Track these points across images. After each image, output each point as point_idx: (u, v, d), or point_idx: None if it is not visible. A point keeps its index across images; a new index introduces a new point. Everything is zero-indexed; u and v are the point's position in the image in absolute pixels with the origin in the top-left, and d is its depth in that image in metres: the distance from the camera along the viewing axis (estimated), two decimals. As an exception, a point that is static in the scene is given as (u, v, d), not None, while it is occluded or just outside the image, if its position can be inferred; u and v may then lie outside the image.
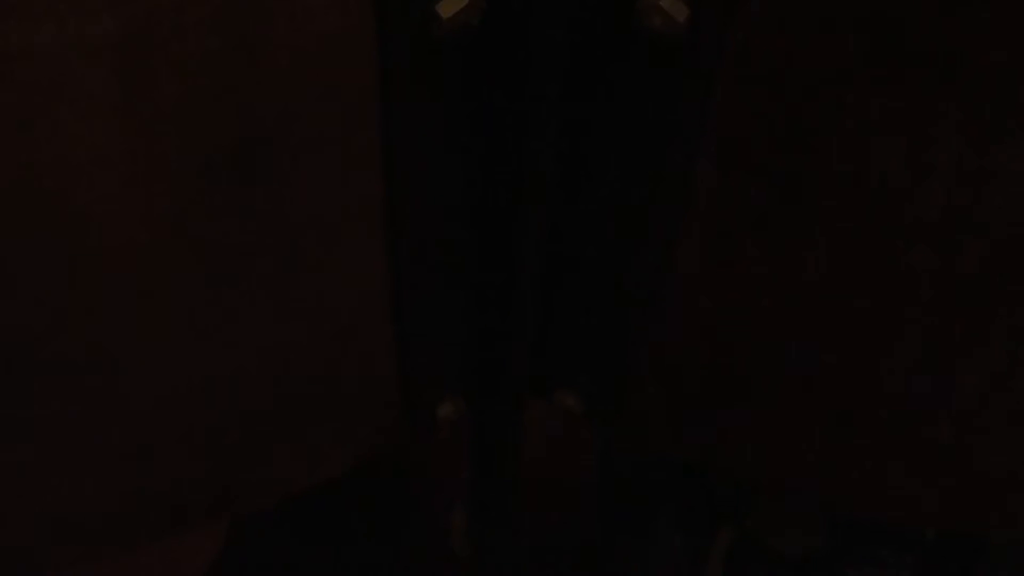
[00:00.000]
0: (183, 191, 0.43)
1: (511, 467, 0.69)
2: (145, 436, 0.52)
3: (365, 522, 0.95)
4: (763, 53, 0.42)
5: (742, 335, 0.53)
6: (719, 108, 0.44)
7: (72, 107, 0.38)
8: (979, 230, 0.44)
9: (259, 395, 0.54)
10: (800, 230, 0.47)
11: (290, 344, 0.52)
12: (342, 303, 0.52)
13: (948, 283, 0.47)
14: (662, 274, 0.51)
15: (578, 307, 0.58)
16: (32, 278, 0.43)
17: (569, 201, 0.53)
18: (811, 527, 0.82)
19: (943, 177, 0.43)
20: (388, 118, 0.45)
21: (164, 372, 0.49)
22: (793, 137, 0.44)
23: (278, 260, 0.48)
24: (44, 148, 0.39)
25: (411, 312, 0.54)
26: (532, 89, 0.47)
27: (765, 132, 0.44)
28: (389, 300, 0.53)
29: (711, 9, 0.42)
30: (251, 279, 0.48)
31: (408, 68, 0.44)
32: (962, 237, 0.45)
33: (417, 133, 0.47)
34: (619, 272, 0.54)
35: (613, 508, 0.93)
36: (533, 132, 0.48)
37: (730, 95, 0.44)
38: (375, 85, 0.44)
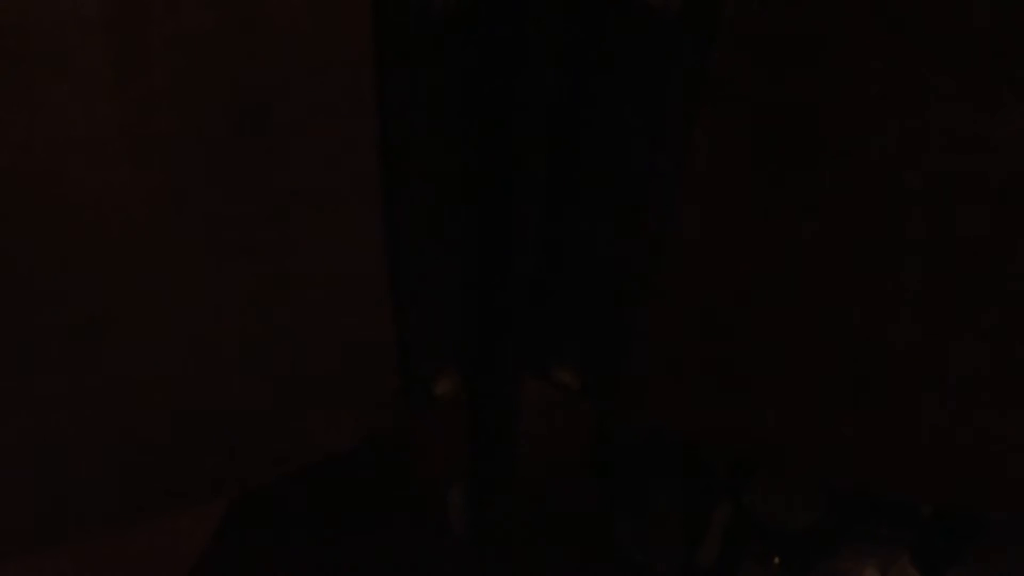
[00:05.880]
0: (180, 165, 0.43)
1: (509, 444, 0.69)
2: (144, 413, 0.52)
3: (363, 501, 0.96)
4: (758, 21, 0.42)
5: (742, 304, 0.53)
6: (717, 75, 0.44)
7: (67, 84, 0.38)
8: (976, 197, 0.45)
9: (257, 373, 0.54)
10: (797, 198, 0.47)
11: (288, 320, 0.52)
12: (340, 278, 0.52)
13: (946, 250, 0.47)
14: (661, 243, 0.51)
15: (577, 278, 0.58)
16: (30, 257, 0.43)
17: (567, 171, 0.53)
18: (810, 503, 0.82)
19: (939, 144, 0.43)
20: (383, 89, 0.45)
21: (163, 349, 0.49)
22: (789, 104, 0.44)
23: (276, 233, 0.48)
24: (39, 125, 0.39)
25: (408, 288, 0.54)
26: (528, 61, 0.47)
27: (761, 100, 0.44)
28: (386, 275, 0.53)
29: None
30: (249, 253, 0.48)
31: (403, 40, 0.44)
32: (959, 204, 0.45)
33: (412, 104, 0.47)
34: (618, 241, 0.54)
35: (611, 484, 0.93)
36: (529, 102, 0.48)
37: (725, 63, 0.44)
38: (371, 57, 0.44)
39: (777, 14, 0.42)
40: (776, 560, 0.84)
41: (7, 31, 0.36)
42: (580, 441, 0.95)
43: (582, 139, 0.51)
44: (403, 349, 0.58)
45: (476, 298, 0.58)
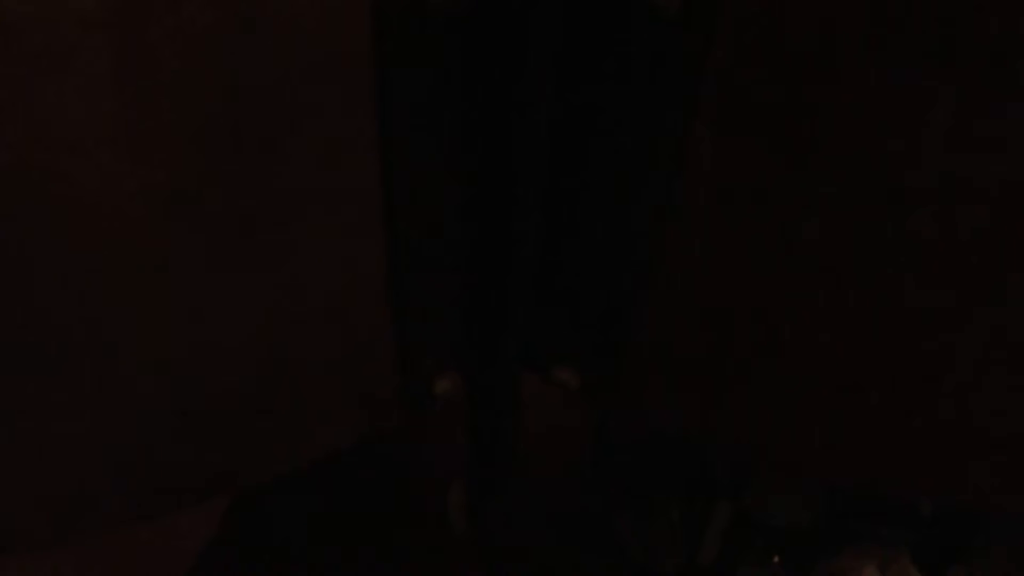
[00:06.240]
0: (179, 163, 0.43)
1: (508, 443, 0.69)
2: (143, 413, 0.52)
3: (362, 499, 0.96)
4: (760, 20, 0.42)
5: (741, 301, 0.53)
6: (718, 74, 0.44)
7: (68, 80, 0.38)
8: (977, 197, 0.45)
9: (257, 372, 0.54)
10: (798, 196, 0.47)
11: (288, 319, 0.52)
12: (339, 276, 0.52)
13: (946, 249, 0.47)
14: (661, 242, 0.51)
15: (577, 277, 0.58)
16: (27, 257, 0.43)
17: (567, 171, 0.53)
18: (809, 504, 0.82)
19: (939, 144, 0.43)
20: (383, 88, 0.45)
21: (162, 348, 0.49)
22: (790, 103, 0.44)
23: (276, 229, 0.48)
24: (40, 121, 0.39)
25: (407, 286, 0.54)
26: (528, 60, 0.47)
27: (763, 98, 0.44)
28: (386, 271, 0.53)
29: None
30: (248, 251, 0.48)
31: (403, 37, 0.44)
32: (959, 204, 0.45)
33: (412, 101, 0.47)
34: (618, 240, 0.54)
35: (611, 484, 0.93)
36: (529, 101, 0.48)
37: (728, 61, 0.44)
38: (371, 56, 0.44)
39: (779, 14, 0.42)
40: (776, 559, 0.84)
41: (8, 28, 0.36)
42: (580, 441, 0.95)
43: (582, 139, 0.51)
44: (403, 348, 0.58)
45: (476, 297, 0.58)
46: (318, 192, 0.48)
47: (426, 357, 0.60)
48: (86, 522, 0.55)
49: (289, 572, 0.92)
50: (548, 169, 0.52)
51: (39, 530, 0.54)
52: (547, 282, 0.58)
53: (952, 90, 0.42)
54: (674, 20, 0.44)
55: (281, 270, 0.50)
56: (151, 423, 0.52)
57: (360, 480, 0.95)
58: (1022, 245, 0.46)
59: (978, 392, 0.52)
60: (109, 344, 0.48)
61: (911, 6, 0.40)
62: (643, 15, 0.44)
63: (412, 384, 0.60)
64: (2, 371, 0.46)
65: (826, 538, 0.82)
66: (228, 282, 0.49)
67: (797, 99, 0.44)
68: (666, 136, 0.48)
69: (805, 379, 0.55)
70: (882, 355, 0.52)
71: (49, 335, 0.46)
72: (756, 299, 0.52)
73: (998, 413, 0.53)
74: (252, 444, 0.57)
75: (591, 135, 0.51)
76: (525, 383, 0.65)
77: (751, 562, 0.85)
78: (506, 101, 0.49)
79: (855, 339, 0.52)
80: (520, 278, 0.57)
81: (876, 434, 0.56)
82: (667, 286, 0.53)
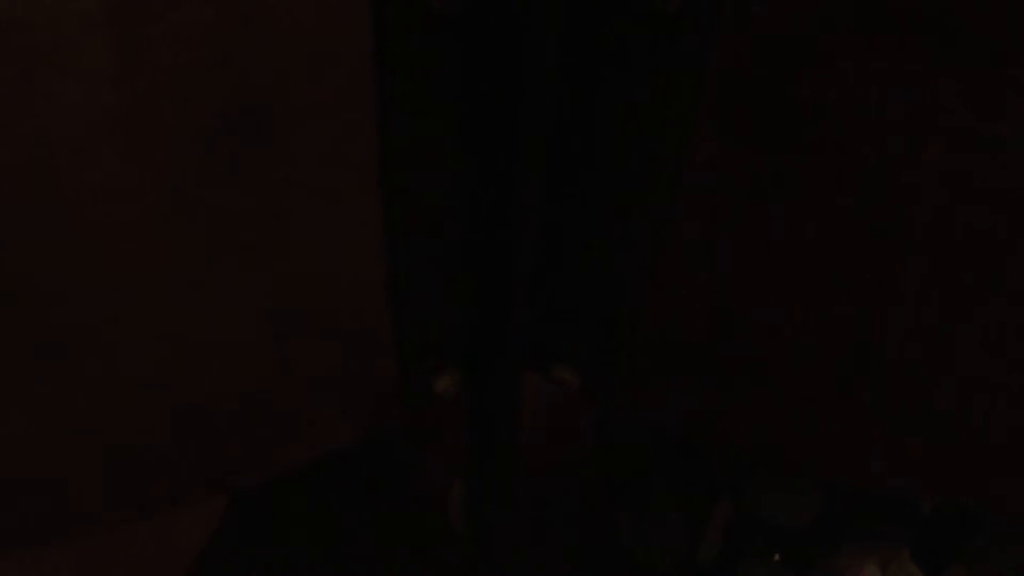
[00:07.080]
0: (181, 161, 0.43)
1: (509, 441, 0.69)
2: (142, 412, 0.51)
3: (363, 497, 0.96)
4: (760, 20, 0.42)
5: (741, 301, 0.53)
6: (717, 75, 0.44)
7: (68, 78, 0.38)
8: (977, 196, 0.45)
9: (257, 369, 0.54)
10: (798, 196, 0.47)
11: (288, 319, 0.52)
12: (339, 276, 0.52)
13: (946, 249, 0.47)
14: (661, 241, 0.51)
15: (577, 276, 0.58)
16: (29, 255, 0.43)
17: (567, 169, 0.53)
18: (809, 501, 0.82)
19: (940, 144, 0.43)
20: (383, 86, 0.45)
21: (161, 347, 0.49)
22: (790, 103, 0.44)
23: (277, 228, 0.48)
24: (40, 120, 0.39)
25: (408, 283, 0.54)
26: (528, 60, 0.47)
27: (763, 98, 0.44)
28: (386, 270, 0.53)
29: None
30: (247, 250, 0.48)
31: (403, 37, 0.44)
32: (960, 203, 0.45)
33: (412, 101, 0.47)
34: (618, 239, 0.54)
35: (611, 483, 0.93)
36: (529, 101, 0.48)
37: (727, 62, 0.44)
38: (371, 54, 0.44)
39: (779, 14, 0.42)
40: (776, 558, 0.84)
41: (8, 26, 0.36)
42: (580, 441, 0.95)
43: (582, 138, 0.51)
44: (403, 347, 0.58)
45: (476, 295, 0.58)
46: (318, 191, 0.48)
47: (426, 356, 0.60)
48: (85, 523, 0.55)
49: (289, 572, 0.92)
50: (548, 168, 0.52)
51: (39, 530, 0.54)
52: (548, 281, 0.58)
53: (952, 89, 0.42)
54: (674, 20, 0.44)
55: (281, 270, 0.50)
56: (149, 423, 0.52)
57: (360, 481, 0.95)
58: (1022, 245, 0.46)
59: (978, 392, 0.52)
60: (109, 344, 0.48)
61: (911, 5, 0.40)
62: (643, 15, 0.44)
63: (413, 383, 0.60)
64: (2, 371, 0.46)
65: (826, 537, 0.82)
66: (228, 282, 0.49)
67: (797, 99, 0.44)
68: (666, 136, 0.48)
69: (805, 379, 0.55)
70: (882, 355, 0.52)
71: (49, 335, 0.46)
72: (756, 299, 0.52)
73: (998, 413, 0.53)
74: (252, 444, 0.57)
75: (591, 135, 0.51)
76: (525, 383, 0.65)
77: (752, 561, 0.85)
78: (506, 100, 0.49)
79: (855, 339, 0.52)
80: (521, 277, 0.57)
81: (875, 434, 0.56)
82: (667, 286, 0.53)
